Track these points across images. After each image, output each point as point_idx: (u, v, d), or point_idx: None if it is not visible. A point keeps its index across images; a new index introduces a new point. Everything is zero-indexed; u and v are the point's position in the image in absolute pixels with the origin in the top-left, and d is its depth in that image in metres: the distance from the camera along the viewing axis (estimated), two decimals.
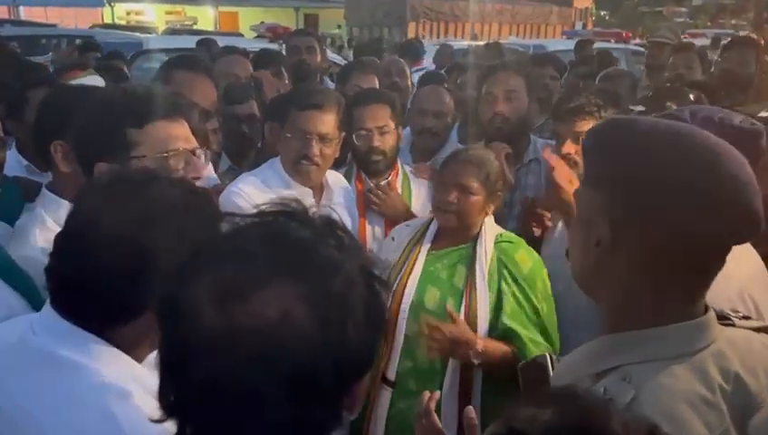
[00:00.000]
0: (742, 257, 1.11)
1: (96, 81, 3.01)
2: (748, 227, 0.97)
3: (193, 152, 1.52)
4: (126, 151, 1.44)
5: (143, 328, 0.99)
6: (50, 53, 8.80)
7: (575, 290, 1.13)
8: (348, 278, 0.72)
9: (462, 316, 2.01)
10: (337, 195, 2.37)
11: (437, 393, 1.42)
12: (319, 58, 4.21)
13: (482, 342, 1.97)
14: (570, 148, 2.24)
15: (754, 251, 1.53)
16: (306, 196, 2.24)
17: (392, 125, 2.50)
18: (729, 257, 0.99)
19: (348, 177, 2.57)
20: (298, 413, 0.69)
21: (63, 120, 1.71)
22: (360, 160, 2.54)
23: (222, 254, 0.72)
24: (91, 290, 0.98)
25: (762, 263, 1.54)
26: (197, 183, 1.50)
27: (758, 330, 1.10)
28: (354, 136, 2.48)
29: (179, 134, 1.49)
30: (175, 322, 0.70)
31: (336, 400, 0.73)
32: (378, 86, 3.52)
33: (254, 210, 0.78)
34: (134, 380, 0.98)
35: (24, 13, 19.31)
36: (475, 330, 2.00)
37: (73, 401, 0.95)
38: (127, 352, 1.02)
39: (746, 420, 0.95)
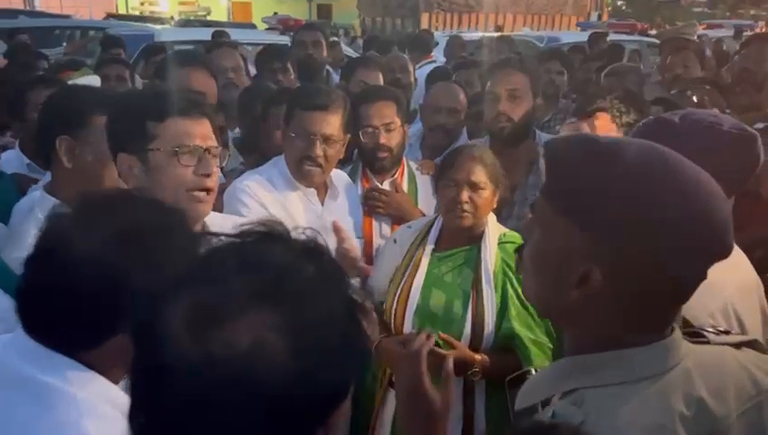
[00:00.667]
0: (729, 268, 1.08)
1: (92, 80, 3.04)
2: (724, 254, 0.96)
3: (209, 151, 1.57)
4: (144, 143, 1.53)
5: (117, 349, 0.96)
6: (63, 45, 8.86)
7: None
8: (326, 307, 0.71)
9: (469, 319, 2.00)
10: (341, 194, 2.35)
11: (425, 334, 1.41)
12: (325, 52, 4.18)
13: (480, 359, 1.96)
14: None
15: (745, 258, 1.48)
16: (310, 195, 2.24)
17: (398, 122, 2.48)
18: (718, 268, 0.96)
19: (353, 175, 2.55)
20: None
21: (69, 117, 1.75)
22: (366, 158, 2.51)
23: (198, 278, 0.70)
24: (62, 311, 0.97)
25: (752, 270, 1.50)
26: (207, 181, 1.56)
27: (738, 345, 1.07)
28: (360, 133, 2.46)
29: (196, 132, 1.55)
30: (149, 345, 0.69)
31: (311, 431, 0.70)
32: (382, 82, 3.50)
33: (244, 221, 0.77)
34: (109, 402, 0.97)
35: (40, 3, 19.44)
36: (482, 333, 1.99)
37: (47, 425, 0.94)
38: (102, 373, 1.00)
39: None
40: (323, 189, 2.30)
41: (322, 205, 2.27)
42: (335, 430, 0.75)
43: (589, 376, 0.96)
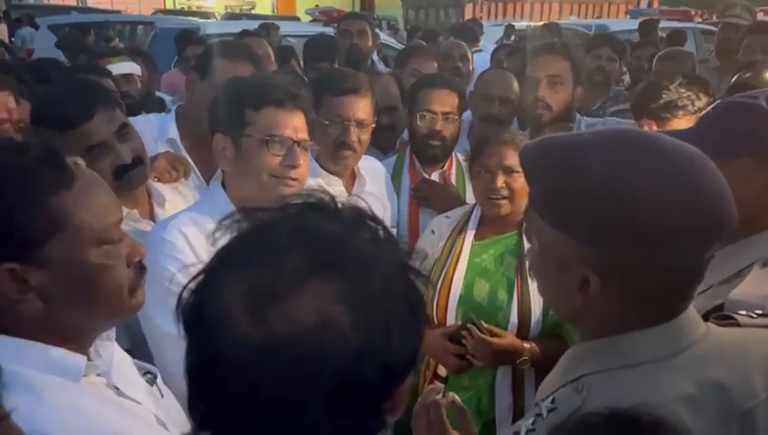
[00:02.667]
0: None
1: (131, 67, 3.06)
2: (723, 229, 0.91)
3: (299, 143, 1.61)
4: (240, 128, 1.59)
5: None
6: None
7: None
8: (386, 274, 0.67)
9: (515, 308, 1.95)
10: (370, 182, 2.28)
11: (441, 387, 1.35)
12: (370, 42, 4.12)
13: (528, 347, 1.91)
14: None
15: None
16: (335, 184, 2.17)
17: (457, 114, 2.44)
18: None
19: (399, 165, 2.50)
20: (343, 424, 0.64)
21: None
22: (418, 144, 2.45)
23: (250, 255, 0.67)
24: None
25: None
26: (292, 172, 1.59)
27: None
28: (417, 117, 2.40)
29: (288, 123, 1.60)
30: (204, 331, 0.65)
31: (381, 406, 0.68)
32: (437, 72, 3.44)
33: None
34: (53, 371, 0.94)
35: (91, 0, 19.99)
36: (529, 322, 1.94)
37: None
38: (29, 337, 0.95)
39: (731, 428, 0.88)
40: (351, 178, 2.24)
41: (350, 194, 2.21)
42: (403, 401, 0.72)
43: (591, 363, 0.95)
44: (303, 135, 1.64)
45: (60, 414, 0.87)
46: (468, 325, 1.91)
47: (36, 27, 9.91)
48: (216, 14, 19.11)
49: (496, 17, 21.84)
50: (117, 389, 1.06)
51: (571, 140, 0.98)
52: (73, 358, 0.98)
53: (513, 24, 8.75)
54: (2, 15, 12.67)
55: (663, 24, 8.29)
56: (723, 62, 4.47)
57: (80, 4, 18.41)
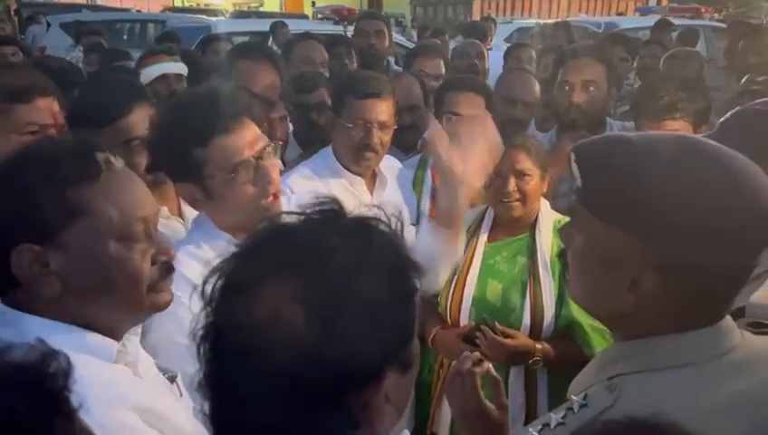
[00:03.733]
0: None
1: (181, 67, 3.02)
2: None
3: (261, 157, 1.50)
4: (197, 171, 1.47)
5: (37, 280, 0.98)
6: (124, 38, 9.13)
7: None
8: (360, 283, 0.71)
9: (527, 309, 1.98)
10: (391, 182, 2.32)
11: (477, 355, 1.39)
12: (387, 42, 4.10)
13: (540, 348, 1.95)
14: None
15: None
16: (357, 185, 2.21)
17: None
18: None
19: (422, 165, 2.51)
20: (288, 416, 0.69)
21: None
22: None
23: (242, 250, 0.76)
24: None
25: None
26: (269, 187, 1.50)
27: None
28: (443, 119, 2.42)
29: (243, 144, 1.48)
30: (204, 306, 0.75)
31: (333, 409, 0.71)
32: (443, 70, 3.44)
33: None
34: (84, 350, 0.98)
35: None
36: (541, 322, 1.98)
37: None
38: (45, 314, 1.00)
39: None
40: (372, 178, 2.27)
41: (371, 194, 2.24)
42: (379, 413, 0.74)
43: (626, 362, 0.95)
44: (260, 143, 1.52)
45: (94, 388, 0.90)
46: (482, 326, 1.94)
47: (48, 25, 9.97)
48: (225, 12, 19.15)
49: (504, 14, 21.79)
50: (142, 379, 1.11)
51: (632, 140, 0.98)
52: (107, 342, 1.03)
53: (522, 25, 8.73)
54: (13, 13, 12.75)
55: (677, 21, 8.26)
56: (731, 62, 4.48)
57: (90, 2, 18.51)
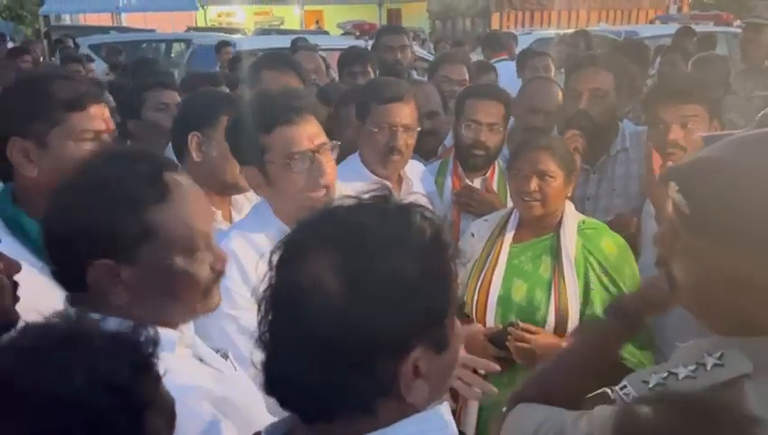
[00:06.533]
0: None
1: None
2: None
3: (318, 151, 1.65)
4: (259, 155, 1.64)
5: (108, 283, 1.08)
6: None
7: None
8: (392, 259, 0.78)
9: (552, 308, 2.01)
10: (416, 185, 2.38)
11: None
12: (410, 56, 4.18)
13: (566, 343, 1.96)
14: (677, 133, 2.09)
15: None
16: None
17: (502, 125, 2.50)
18: None
19: (443, 171, 2.58)
20: (329, 377, 0.77)
21: (200, 116, 1.99)
22: (462, 152, 2.54)
23: (300, 225, 0.85)
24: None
25: None
26: (321, 180, 1.64)
27: None
28: (462, 126, 2.49)
29: (303, 136, 1.63)
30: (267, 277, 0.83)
31: (367, 371, 0.78)
32: (467, 75, 3.49)
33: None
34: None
35: (126, 19, 20.53)
36: (566, 321, 2.00)
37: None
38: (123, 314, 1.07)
39: None
40: (398, 182, 2.34)
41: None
42: (408, 387, 0.80)
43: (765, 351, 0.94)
44: (320, 139, 1.67)
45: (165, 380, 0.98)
46: (510, 329, 1.98)
47: (77, 47, 10.25)
48: (247, 30, 19.46)
49: (523, 26, 21.82)
50: (201, 359, 1.19)
51: (740, 163, 0.96)
52: (167, 332, 1.10)
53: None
54: (43, 36, 13.12)
55: (699, 28, 8.23)
56: (748, 64, 4.48)
57: (115, 24, 18.95)
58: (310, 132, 1.66)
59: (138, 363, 0.80)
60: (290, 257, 0.81)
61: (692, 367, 0.94)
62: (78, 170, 1.13)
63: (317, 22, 21.97)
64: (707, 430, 0.67)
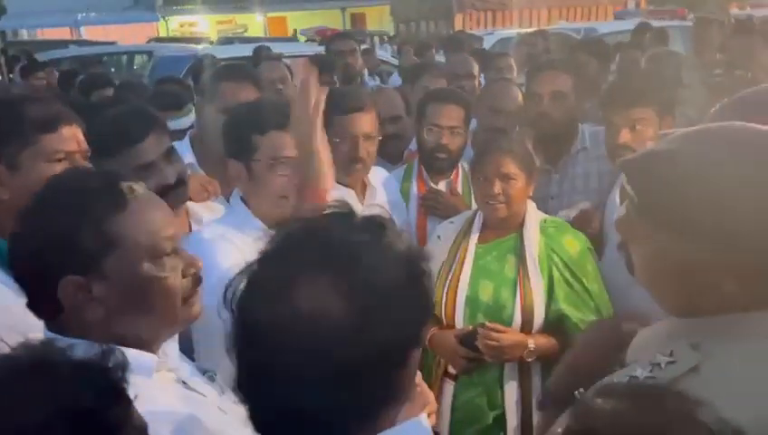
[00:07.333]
0: None
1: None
2: None
3: None
4: (249, 153, 1.76)
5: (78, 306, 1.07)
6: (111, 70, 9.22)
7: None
8: (385, 271, 0.80)
9: (518, 306, 2.05)
10: (380, 193, 2.42)
11: None
12: (360, 60, 4.33)
13: (532, 340, 2.03)
14: (626, 136, 2.18)
15: None
16: (348, 195, 2.28)
17: (463, 128, 2.56)
18: None
19: (407, 175, 2.62)
20: (336, 398, 0.76)
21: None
22: (425, 156, 2.58)
23: (271, 254, 0.82)
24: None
25: None
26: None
27: None
28: (424, 131, 2.53)
29: (290, 143, 1.71)
30: (236, 316, 0.81)
31: (374, 387, 0.79)
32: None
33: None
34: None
35: (85, 32, 20.21)
36: (532, 318, 2.05)
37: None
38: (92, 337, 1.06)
39: None
40: (362, 189, 2.38)
41: (362, 204, 2.33)
42: (413, 391, 0.85)
43: (707, 331, 0.97)
44: None
45: (135, 405, 0.98)
46: (479, 330, 2.02)
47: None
48: (210, 40, 19.30)
49: (485, 26, 22.05)
50: (184, 383, 1.19)
51: (688, 155, 1.00)
52: (145, 357, 1.11)
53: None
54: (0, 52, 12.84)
55: (655, 23, 8.42)
56: (700, 57, 4.62)
57: (74, 38, 18.64)
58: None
59: (105, 388, 0.79)
60: (277, 286, 0.79)
61: (648, 368, 0.98)
62: (37, 192, 1.13)
63: (295, 31, 21.88)
64: (653, 412, 0.71)
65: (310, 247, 0.81)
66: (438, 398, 2.15)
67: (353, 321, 0.76)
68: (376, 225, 0.84)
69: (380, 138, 2.37)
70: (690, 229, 0.95)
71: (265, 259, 0.82)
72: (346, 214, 0.86)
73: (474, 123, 2.88)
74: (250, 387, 0.81)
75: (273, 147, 1.76)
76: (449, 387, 2.15)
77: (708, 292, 0.96)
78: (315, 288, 0.77)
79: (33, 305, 1.11)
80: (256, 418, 0.82)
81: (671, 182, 0.98)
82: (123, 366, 0.82)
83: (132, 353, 1.08)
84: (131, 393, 0.82)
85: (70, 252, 1.06)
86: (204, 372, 1.27)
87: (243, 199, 1.86)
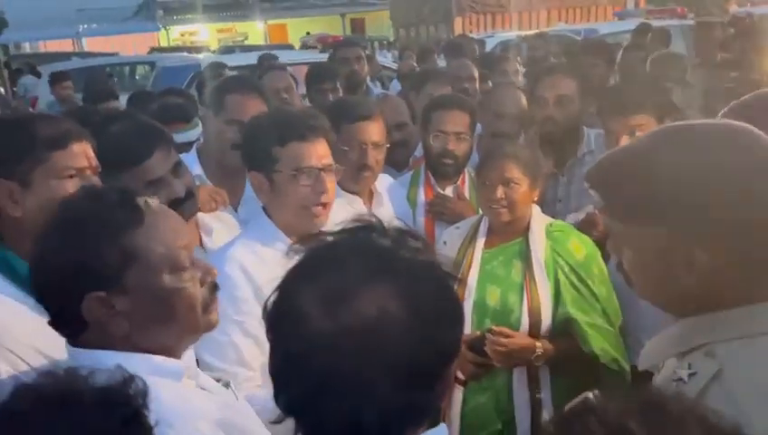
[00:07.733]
0: None
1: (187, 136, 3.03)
2: None
3: (324, 169, 1.80)
4: (270, 165, 1.79)
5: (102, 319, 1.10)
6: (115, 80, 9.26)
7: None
8: (428, 276, 0.84)
9: (525, 310, 2.06)
10: (386, 199, 2.46)
11: None
12: (366, 67, 4.33)
13: (540, 344, 2.04)
14: (625, 144, 2.21)
15: None
16: (355, 203, 2.33)
17: (468, 133, 2.58)
18: None
19: (414, 181, 2.64)
20: (404, 399, 0.79)
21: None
22: (432, 162, 2.60)
23: (319, 267, 0.84)
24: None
25: None
26: (322, 197, 1.78)
27: None
28: (430, 137, 2.56)
29: (312, 154, 1.78)
30: (285, 331, 0.83)
31: (434, 384, 0.83)
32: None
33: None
34: (152, 372, 1.07)
35: (87, 44, 20.31)
36: (539, 322, 2.06)
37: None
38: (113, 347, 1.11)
39: None
40: (369, 197, 2.41)
41: (369, 211, 2.36)
42: (450, 384, 0.88)
43: (716, 332, 1.00)
44: (327, 160, 1.81)
45: (171, 405, 1.02)
46: (487, 335, 2.03)
47: (39, 75, 10.13)
48: (211, 48, 19.38)
49: (485, 29, 22.06)
50: (204, 389, 1.22)
51: (634, 150, 1.09)
52: (172, 362, 1.14)
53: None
54: (3, 66, 12.91)
55: (656, 23, 8.43)
56: (702, 59, 4.63)
57: (76, 50, 18.73)
58: (319, 152, 1.80)
59: (128, 416, 0.81)
60: (337, 298, 0.80)
61: (672, 386, 0.99)
62: (54, 212, 1.16)
63: (308, 33, 21.91)
64: (654, 410, 0.72)
65: (362, 259, 0.83)
66: (447, 405, 2.16)
67: (415, 323, 0.79)
68: (404, 235, 0.88)
69: (388, 145, 2.40)
70: (654, 214, 1.00)
71: (308, 274, 0.84)
72: (378, 226, 0.89)
73: (479, 128, 2.90)
74: (308, 405, 0.81)
75: (294, 157, 1.78)
76: (458, 393, 2.16)
77: (687, 271, 0.99)
78: (377, 296, 0.80)
79: (56, 324, 1.13)
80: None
81: (624, 175, 1.05)
82: (144, 393, 0.84)
83: (159, 360, 1.13)
84: (152, 420, 0.84)
85: (92, 269, 1.08)
86: (218, 379, 1.30)
87: (265, 210, 1.88)
